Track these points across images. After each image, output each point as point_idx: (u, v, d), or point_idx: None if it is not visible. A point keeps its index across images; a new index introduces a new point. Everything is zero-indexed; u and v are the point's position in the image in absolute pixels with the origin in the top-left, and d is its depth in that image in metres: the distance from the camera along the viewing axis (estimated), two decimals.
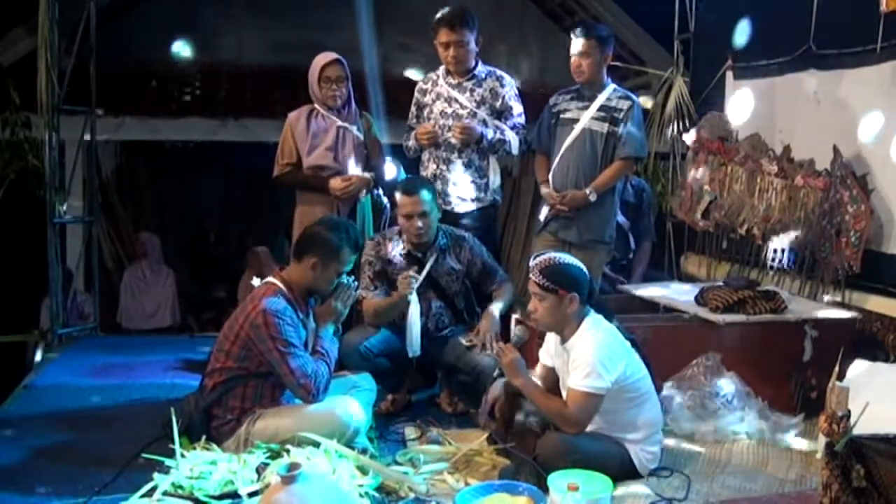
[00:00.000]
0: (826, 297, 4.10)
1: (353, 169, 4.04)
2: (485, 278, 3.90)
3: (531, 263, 3.01)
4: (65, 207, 5.37)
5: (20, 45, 6.52)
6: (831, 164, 4.06)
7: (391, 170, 4.50)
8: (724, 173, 4.80)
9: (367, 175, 4.06)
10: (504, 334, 3.66)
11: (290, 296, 3.16)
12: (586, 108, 4.06)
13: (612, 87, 4.10)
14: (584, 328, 2.97)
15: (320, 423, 3.02)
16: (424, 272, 3.73)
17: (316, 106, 4.03)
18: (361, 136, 4.07)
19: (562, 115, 4.14)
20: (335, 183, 3.96)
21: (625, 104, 4.04)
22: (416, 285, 3.66)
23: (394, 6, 7.08)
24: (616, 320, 3.10)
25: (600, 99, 4.04)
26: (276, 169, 4.10)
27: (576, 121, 4.07)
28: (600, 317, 3.02)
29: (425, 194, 3.68)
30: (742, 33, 4.98)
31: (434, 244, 3.79)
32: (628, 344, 3.02)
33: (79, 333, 5.45)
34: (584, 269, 3.04)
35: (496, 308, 3.76)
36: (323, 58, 3.97)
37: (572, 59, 4.02)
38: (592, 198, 3.99)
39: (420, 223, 3.67)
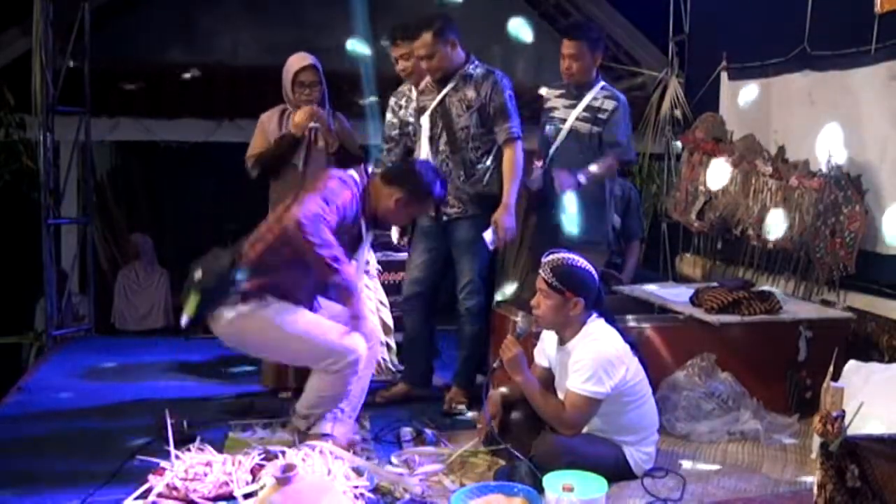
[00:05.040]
0: (820, 298, 4.12)
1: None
2: (497, 117, 3.79)
3: (544, 260, 3.00)
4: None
5: (15, 45, 6.49)
6: (826, 165, 4.08)
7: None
8: None
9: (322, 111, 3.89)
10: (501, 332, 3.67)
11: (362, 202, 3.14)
12: (573, 106, 4.04)
13: (599, 85, 4.05)
14: (588, 331, 2.96)
15: (311, 348, 3.06)
16: (441, 94, 3.78)
17: (288, 107, 3.98)
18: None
19: (550, 114, 4.12)
20: (299, 116, 3.82)
21: (610, 104, 3.99)
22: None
23: (388, 8, 7.06)
24: (617, 323, 3.10)
25: (587, 98, 4.01)
26: (247, 162, 4.09)
27: (564, 120, 4.06)
28: (602, 321, 3.02)
29: (427, 37, 3.66)
30: (736, 34, 4.99)
31: (460, 70, 3.79)
32: (628, 348, 3.02)
33: (73, 335, 5.44)
34: (595, 274, 3.03)
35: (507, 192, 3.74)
36: (297, 61, 3.87)
37: (563, 60, 4.02)
38: (582, 179, 3.91)
39: (423, 64, 3.72)
